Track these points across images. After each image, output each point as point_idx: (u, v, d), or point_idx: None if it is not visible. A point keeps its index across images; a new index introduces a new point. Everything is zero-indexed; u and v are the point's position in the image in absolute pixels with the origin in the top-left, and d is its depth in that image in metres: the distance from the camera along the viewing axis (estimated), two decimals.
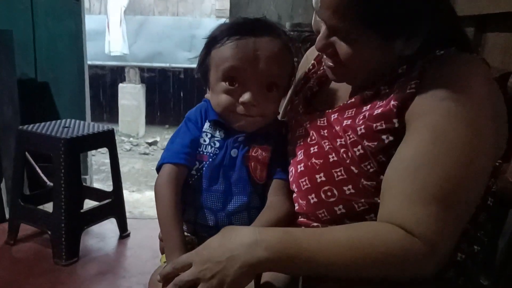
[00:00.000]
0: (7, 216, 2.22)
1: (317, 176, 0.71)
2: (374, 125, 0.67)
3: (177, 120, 5.05)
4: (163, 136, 5.09)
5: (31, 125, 2.04)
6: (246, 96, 0.77)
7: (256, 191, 0.81)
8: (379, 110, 0.68)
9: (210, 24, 4.61)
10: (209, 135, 0.83)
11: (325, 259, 0.60)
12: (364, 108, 0.71)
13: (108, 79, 5.81)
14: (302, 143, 0.78)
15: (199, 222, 0.82)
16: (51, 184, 2.08)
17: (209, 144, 0.82)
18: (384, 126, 0.66)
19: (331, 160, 0.71)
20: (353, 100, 0.74)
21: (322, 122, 0.77)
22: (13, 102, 2.29)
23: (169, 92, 5.80)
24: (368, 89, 0.73)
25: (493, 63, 0.79)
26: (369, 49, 0.69)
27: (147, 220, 2.51)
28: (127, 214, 2.27)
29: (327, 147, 0.73)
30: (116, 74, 5.72)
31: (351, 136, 0.69)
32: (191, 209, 0.82)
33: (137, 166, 4.02)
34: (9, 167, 2.18)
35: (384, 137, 0.66)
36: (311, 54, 0.97)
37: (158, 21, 6.05)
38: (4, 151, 2.21)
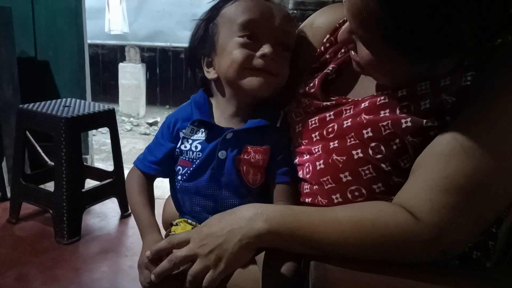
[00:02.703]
0: (8, 195, 2.23)
1: (342, 175, 0.67)
2: (424, 121, 0.61)
3: (178, 101, 5.00)
4: (163, 117, 5.05)
5: (32, 104, 2.03)
6: (266, 48, 0.74)
7: (250, 193, 0.77)
8: (427, 104, 0.62)
9: (211, 3, 4.52)
10: (190, 141, 0.79)
11: (325, 237, 0.59)
12: (405, 98, 0.65)
13: (108, 59, 5.74)
14: (318, 137, 0.72)
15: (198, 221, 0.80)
16: (52, 163, 2.08)
17: (190, 149, 0.78)
18: (436, 123, 0.61)
19: (355, 157, 0.66)
20: (388, 89, 0.67)
21: (348, 111, 0.70)
22: (13, 81, 2.26)
23: (170, 72, 5.74)
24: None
25: None
26: (390, 63, 0.62)
27: None
28: None
29: (350, 141, 0.67)
30: (116, 54, 5.65)
31: (386, 128, 0.64)
32: (188, 211, 0.81)
33: (138, 146, 4.01)
34: (10, 146, 2.18)
35: (432, 133, 0.61)
36: (321, 20, 0.85)
37: None
38: (4, 130, 2.20)
